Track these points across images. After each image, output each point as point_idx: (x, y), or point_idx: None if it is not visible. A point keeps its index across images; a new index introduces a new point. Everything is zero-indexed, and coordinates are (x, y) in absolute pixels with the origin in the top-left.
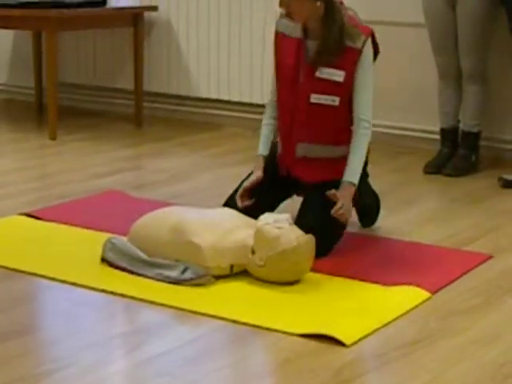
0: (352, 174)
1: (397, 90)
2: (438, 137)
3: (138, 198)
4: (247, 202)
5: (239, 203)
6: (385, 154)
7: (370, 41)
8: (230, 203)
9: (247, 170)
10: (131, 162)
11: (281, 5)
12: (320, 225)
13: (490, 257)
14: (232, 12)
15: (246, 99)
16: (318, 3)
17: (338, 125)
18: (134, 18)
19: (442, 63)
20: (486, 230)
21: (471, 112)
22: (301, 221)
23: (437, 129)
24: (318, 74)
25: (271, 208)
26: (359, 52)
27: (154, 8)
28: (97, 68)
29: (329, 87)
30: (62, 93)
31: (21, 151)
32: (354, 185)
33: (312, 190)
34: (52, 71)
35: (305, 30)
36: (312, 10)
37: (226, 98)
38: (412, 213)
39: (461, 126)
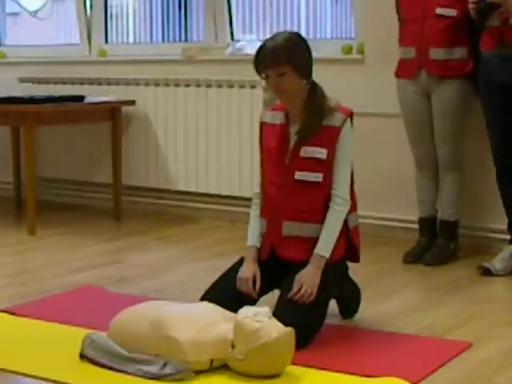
0: (323, 248)
1: (374, 180)
2: (416, 226)
3: (116, 294)
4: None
5: (254, 295)
6: (363, 245)
7: (349, 120)
8: (207, 297)
9: (225, 262)
10: (110, 257)
11: (273, 85)
12: (299, 316)
13: (470, 344)
14: (209, 107)
15: (224, 192)
16: (304, 82)
17: (323, 202)
18: (112, 113)
19: (418, 153)
20: (466, 319)
21: (449, 201)
22: (279, 312)
23: (415, 218)
24: (302, 153)
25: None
26: (338, 131)
27: (132, 102)
28: (75, 162)
29: (312, 165)
30: (41, 187)
31: None
32: (323, 258)
33: (292, 275)
34: (30, 166)
35: (286, 117)
36: (299, 88)
37: (204, 190)
38: (392, 303)
39: (439, 215)
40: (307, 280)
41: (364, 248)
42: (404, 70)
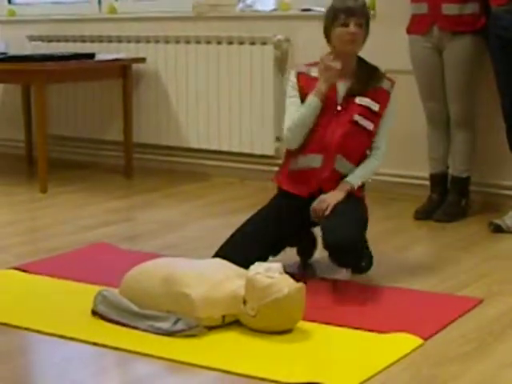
0: (353, 178)
1: None
2: (427, 183)
3: (128, 250)
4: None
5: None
6: (375, 202)
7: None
8: (220, 254)
9: (236, 219)
10: (122, 214)
11: (355, 32)
12: (353, 233)
13: (481, 301)
14: (220, 64)
15: (235, 149)
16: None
17: (365, 150)
18: (123, 70)
19: (430, 109)
20: (477, 275)
21: (460, 157)
22: (332, 230)
23: (426, 175)
24: (357, 100)
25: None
26: (389, 94)
27: (142, 60)
28: (86, 120)
29: (367, 113)
30: (52, 145)
31: (11, 205)
32: (350, 185)
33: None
34: (41, 124)
35: None
36: (363, 44)
37: (215, 147)
38: (403, 259)
39: (450, 171)
40: (328, 197)
41: (375, 205)
42: (416, 26)
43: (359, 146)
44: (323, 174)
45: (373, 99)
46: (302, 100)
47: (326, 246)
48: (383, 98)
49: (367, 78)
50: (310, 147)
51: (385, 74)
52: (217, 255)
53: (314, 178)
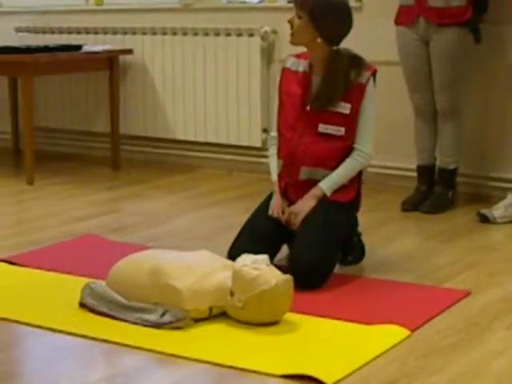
0: (326, 182)
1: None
2: (414, 174)
3: (115, 242)
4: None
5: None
6: (363, 193)
7: (371, 77)
8: (235, 248)
9: (224, 210)
10: (109, 206)
11: (289, 20)
12: (318, 256)
13: (469, 293)
14: (207, 55)
15: (222, 140)
16: (319, 40)
17: (342, 152)
18: (109, 62)
19: (417, 100)
20: (465, 267)
21: (447, 149)
22: (296, 252)
23: (414, 166)
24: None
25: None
26: (364, 87)
27: (129, 51)
28: (73, 112)
29: (335, 118)
30: (39, 137)
31: None
32: (321, 190)
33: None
34: (28, 116)
35: (310, 66)
36: (309, 41)
37: (202, 139)
38: (390, 251)
39: (437, 163)
40: (296, 207)
41: (363, 196)
42: (403, 18)
43: (330, 153)
44: (287, 181)
45: (344, 99)
46: (280, 96)
47: (291, 268)
48: (357, 94)
49: (335, 82)
50: (280, 153)
51: (365, 64)
52: (232, 249)
53: (283, 182)
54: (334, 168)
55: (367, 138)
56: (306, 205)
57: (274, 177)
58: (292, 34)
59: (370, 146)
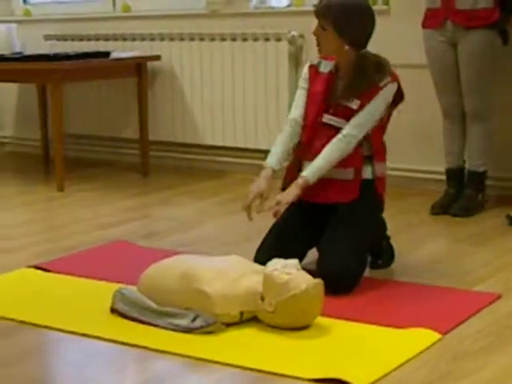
0: (308, 170)
1: (402, 132)
2: (443, 177)
3: (146, 248)
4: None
5: (248, 216)
6: (391, 197)
7: (391, 84)
8: (260, 256)
9: (254, 216)
10: (138, 212)
11: (313, 33)
12: (347, 261)
13: (499, 296)
14: (234, 60)
15: (251, 145)
16: (347, 47)
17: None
18: (138, 68)
19: (445, 103)
20: (496, 270)
21: (476, 152)
22: (325, 257)
23: (443, 169)
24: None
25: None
26: (379, 90)
27: (157, 57)
28: (102, 118)
29: (342, 111)
30: (68, 144)
31: (29, 204)
32: (304, 179)
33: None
34: (57, 123)
35: (336, 68)
36: (337, 50)
37: (231, 144)
38: (420, 254)
39: (466, 165)
40: (281, 196)
41: (392, 199)
42: (430, 21)
43: None
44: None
45: (358, 97)
46: (308, 92)
47: (319, 274)
48: (371, 93)
49: (359, 87)
50: (298, 152)
51: (389, 70)
52: (257, 257)
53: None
54: (339, 165)
55: (358, 126)
56: (288, 193)
57: (269, 161)
58: (319, 46)
59: (357, 130)
